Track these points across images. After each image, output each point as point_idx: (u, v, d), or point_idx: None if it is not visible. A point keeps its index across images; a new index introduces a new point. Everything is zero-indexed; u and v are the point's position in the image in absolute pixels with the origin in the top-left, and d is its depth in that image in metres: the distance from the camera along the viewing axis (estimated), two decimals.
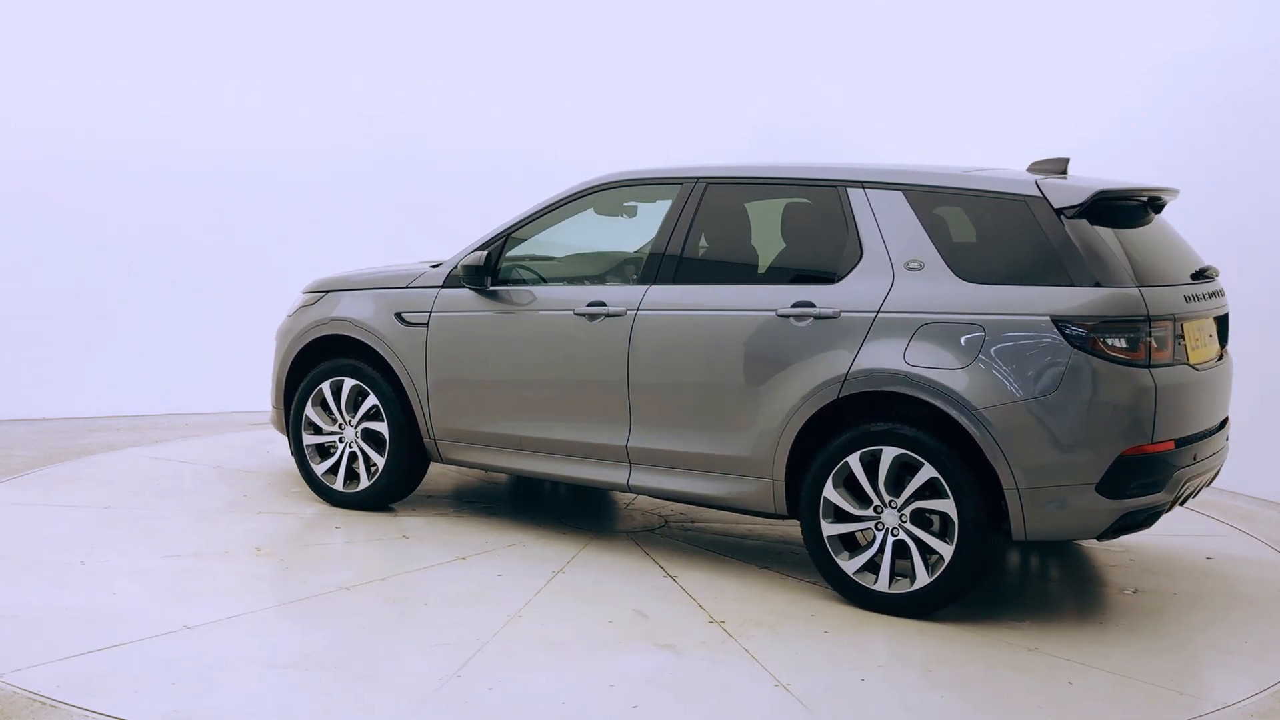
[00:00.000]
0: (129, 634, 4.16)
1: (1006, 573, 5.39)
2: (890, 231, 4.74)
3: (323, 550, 5.34)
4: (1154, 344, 4.34)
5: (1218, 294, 4.92)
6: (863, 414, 4.67)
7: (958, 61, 9.69)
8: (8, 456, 6.82)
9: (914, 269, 4.65)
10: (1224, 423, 5.01)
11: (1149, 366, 4.32)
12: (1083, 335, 4.27)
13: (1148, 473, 4.38)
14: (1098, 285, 4.31)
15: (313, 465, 6.03)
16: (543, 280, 5.64)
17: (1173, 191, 5.00)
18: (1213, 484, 5.07)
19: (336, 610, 4.54)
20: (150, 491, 6.17)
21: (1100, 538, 4.47)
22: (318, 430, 6.02)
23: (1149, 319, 4.32)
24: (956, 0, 9.78)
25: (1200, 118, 7.58)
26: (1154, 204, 4.92)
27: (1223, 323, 4.99)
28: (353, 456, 5.95)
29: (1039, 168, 4.85)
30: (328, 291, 6.15)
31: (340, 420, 5.96)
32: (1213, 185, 7.49)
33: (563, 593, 4.81)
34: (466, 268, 5.59)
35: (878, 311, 4.64)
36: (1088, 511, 4.34)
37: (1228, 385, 5.01)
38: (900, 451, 4.51)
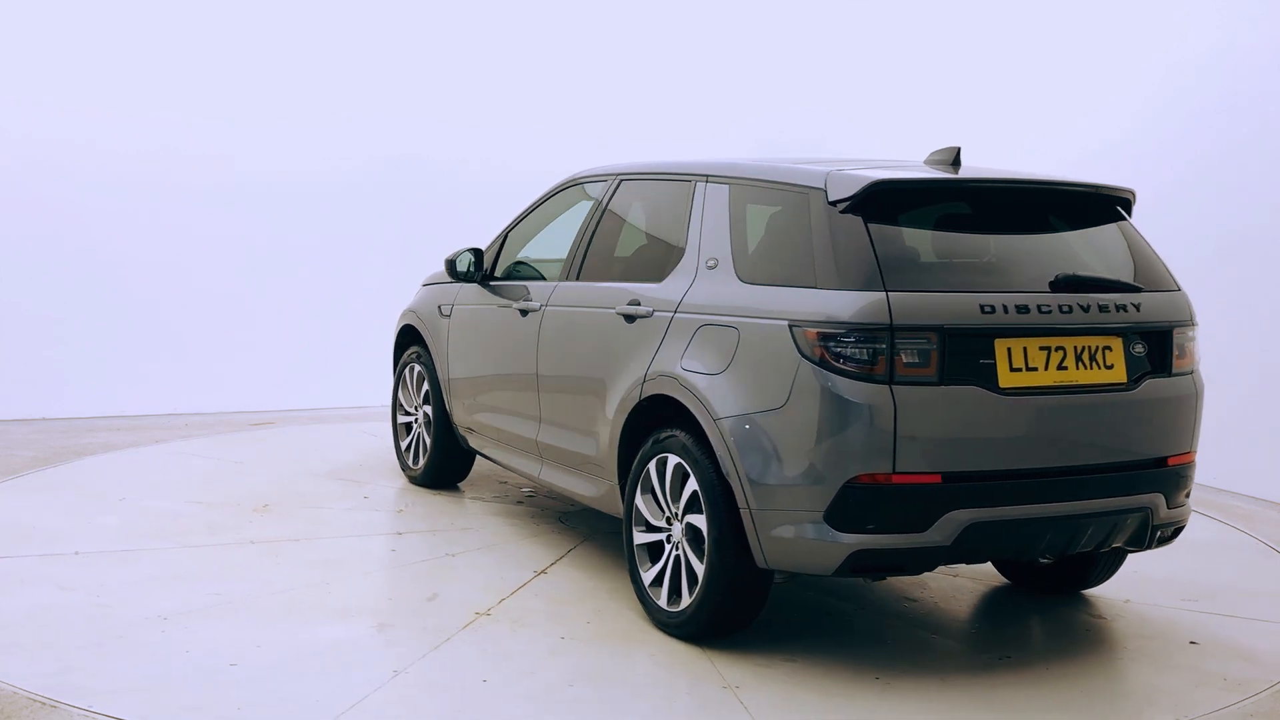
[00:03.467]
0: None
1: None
2: (705, 228, 4.46)
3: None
4: (903, 358, 3.71)
5: (1111, 308, 4.04)
6: (666, 418, 4.38)
7: (956, 62, 9.71)
8: (8, 456, 6.83)
9: (711, 267, 4.37)
10: (1151, 465, 4.09)
11: (891, 383, 3.70)
12: (812, 343, 3.78)
13: (891, 507, 3.74)
14: (840, 288, 3.79)
15: (400, 441, 6.67)
16: (509, 277, 5.78)
17: (1005, 182, 4.25)
18: (1160, 544, 4.23)
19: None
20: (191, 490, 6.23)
21: (838, 574, 3.83)
22: (406, 411, 6.62)
23: (892, 328, 3.69)
24: (957, 1, 9.81)
25: (1202, 118, 7.58)
26: (992, 196, 4.26)
27: (1150, 341, 4.13)
28: (420, 437, 6.48)
29: (932, 159, 4.44)
30: (426, 285, 6.53)
31: (415, 404, 6.49)
32: (1212, 186, 7.52)
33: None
34: (450, 261, 5.91)
35: (674, 312, 4.42)
36: (817, 543, 3.78)
37: (1147, 416, 4.07)
38: (678, 461, 4.22)
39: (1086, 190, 4.37)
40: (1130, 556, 4.86)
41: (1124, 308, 4.07)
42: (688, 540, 4.22)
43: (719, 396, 4.04)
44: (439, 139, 9.28)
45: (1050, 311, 3.91)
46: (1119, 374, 4.02)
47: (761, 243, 4.32)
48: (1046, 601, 4.86)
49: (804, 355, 3.79)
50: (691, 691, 3.89)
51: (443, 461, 6.31)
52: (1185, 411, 4.19)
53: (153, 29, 8.42)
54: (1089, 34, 8.52)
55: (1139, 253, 4.34)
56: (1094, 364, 3.98)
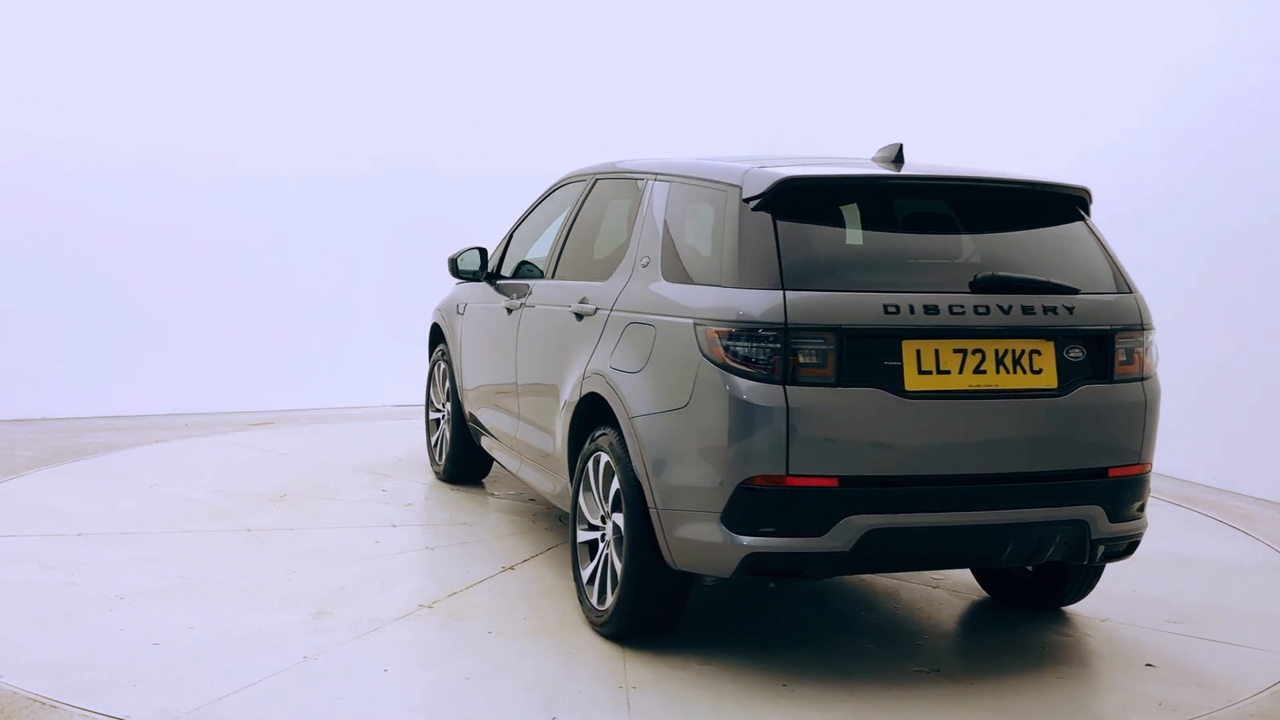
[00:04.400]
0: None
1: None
2: (644, 226, 4.45)
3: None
4: (799, 358, 3.61)
5: (1038, 310, 3.82)
6: (601, 417, 4.33)
7: (956, 62, 9.63)
8: (8, 456, 6.92)
9: (644, 265, 4.34)
10: (1088, 476, 3.87)
11: (786, 384, 3.61)
12: (711, 343, 3.73)
13: (786, 510, 3.64)
14: (741, 287, 3.74)
15: (429, 438, 6.79)
16: (514, 276, 5.80)
17: (927, 179, 4.11)
18: (1110, 559, 4.04)
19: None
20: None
21: (736, 576, 3.73)
22: (435, 408, 6.70)
23: (787, 328, 3.60)
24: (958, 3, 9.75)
25: (1200, 119, 7.45)
26: (917, 194, 4.17)
27: (1088, 345, 3.89)
28: (444, 434, 6.53)
29: (878, 156, 4.32)
30: (457, 284, 6.58)
31: (442, 401, 6.56)
32: (1212, 187, 7.37)
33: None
34: (453, 260, 5.97)
35: (610, 310, 4.41)
36: (715, 545, 3.71)
37: (1082, 425, 3.85)
38: (608, 459, 4.18)
39: (1028, 188, 4.17)
40: (1135, 574, 4.82)
41: (1053, 310, 3.85)
42: (614, 539, 4.17)
43: (634, 395, 4.03)
44: (444, 139, 9.27)
45: (963, 312, 3.74)
46: (1048, 379, 3.81)
47: (685, 241, 4.30)
48: (1020, 617, 4.66)
49: (704, 354, 3.75)
50: (583, 691, 3.83)
51: (461, 457, 6.36)
52: (1131, 420, 3.93)
53: (152, 29, 8.54)
54: (1093, 34, 8.42)
55: (1087, 253, 4.11)
56: (1018, 368, 3.78)
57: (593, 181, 5.22)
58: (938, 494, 3.72)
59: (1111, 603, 4.80)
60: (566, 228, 5.24)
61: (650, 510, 3.91)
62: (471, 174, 9.29)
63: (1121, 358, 3.95)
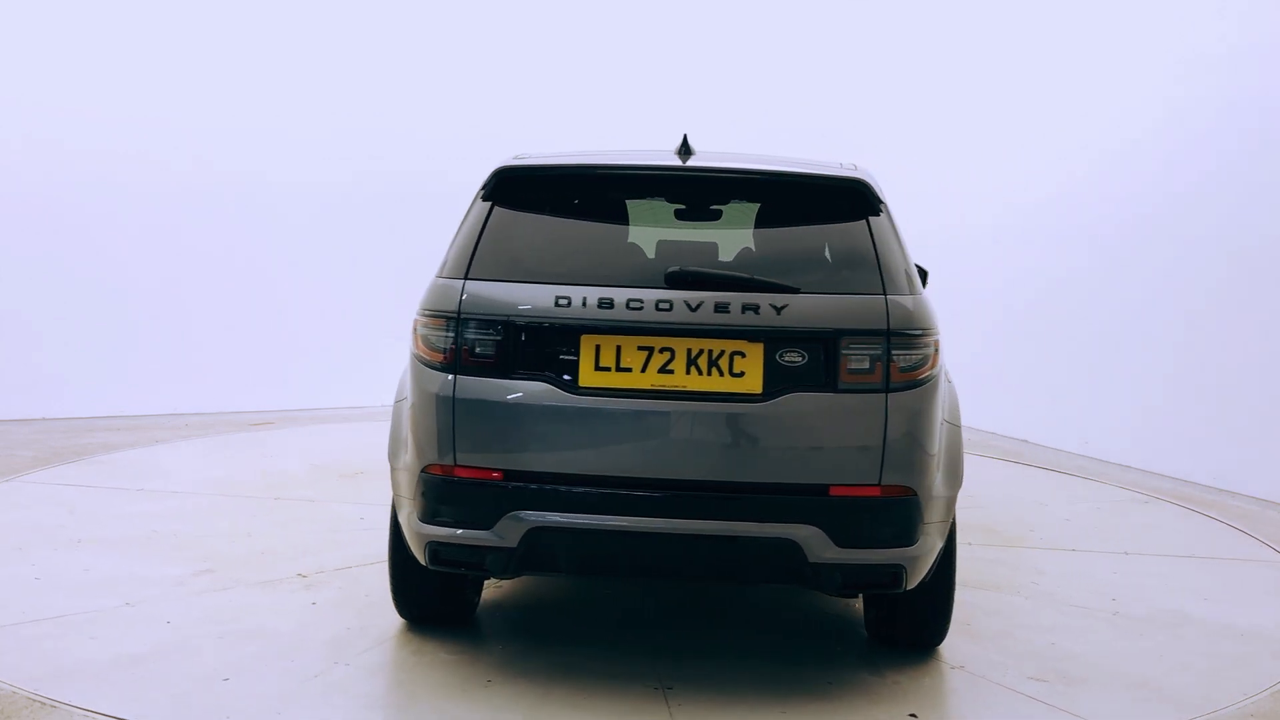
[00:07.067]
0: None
1: None
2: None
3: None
4: (471, 348, 3.56)
5: (737, 308, 3.51)
6: None
7: (956, 62, 9.72)
8: (8, 456, 6.93)
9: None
10: (801, 492, 3.48)
11: (457, 373, 3.57)
12: (412, 331, 3.74)
13: (457, 500, 3.57)
14: (439, 275, 3.73)
15: None
16: None
17: (661, 170, 3.86)
18: (851, 591, 3.68)
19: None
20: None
21: (430, 566, 3.67)
22: None
23: (459, 318, 3.56)
24: (961, 3, 9.84)
25: (1200, 121, 7.57)
26: (651, 185, 3.93)
27: (809, 350, 3.52)
28: None
29: (679, 151, 4.05)
30: None
31: None
32: (1213, 186, 7.49)
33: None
34: None
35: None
36: (413, 533, 3.69)
37: (791, 436, 3.48)
38: None
39: (789, 180, 3.85)
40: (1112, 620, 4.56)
41: (754, 309, 3.51)
42: None
43: (402, 383, 4.02)
44: (445, 139, 9.33)
45: (641, 308, 3.50)
46: (751, 383, 3.49)
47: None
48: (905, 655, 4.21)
49: (411, 343, 3.79)
50: (328, 659, 4.01)
51: None
52: (862, 435, 3.48)
53: (152, 29, 8.57)
54: (1105, 37, 8.53)
55: (852, 251, 3.69)
56: (714, 370, 3.50)
57: None
58: (608, 496, 3.49)
59: (1018, 650, 4.60)
60: None
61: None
62: (473, 173, 9.21)
63: (853, 365, 3.51)
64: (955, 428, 3.95)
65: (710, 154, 4.09)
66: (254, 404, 8.76)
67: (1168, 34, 7.87)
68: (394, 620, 4.37)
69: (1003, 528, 6.12)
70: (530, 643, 4.29)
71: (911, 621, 4.13)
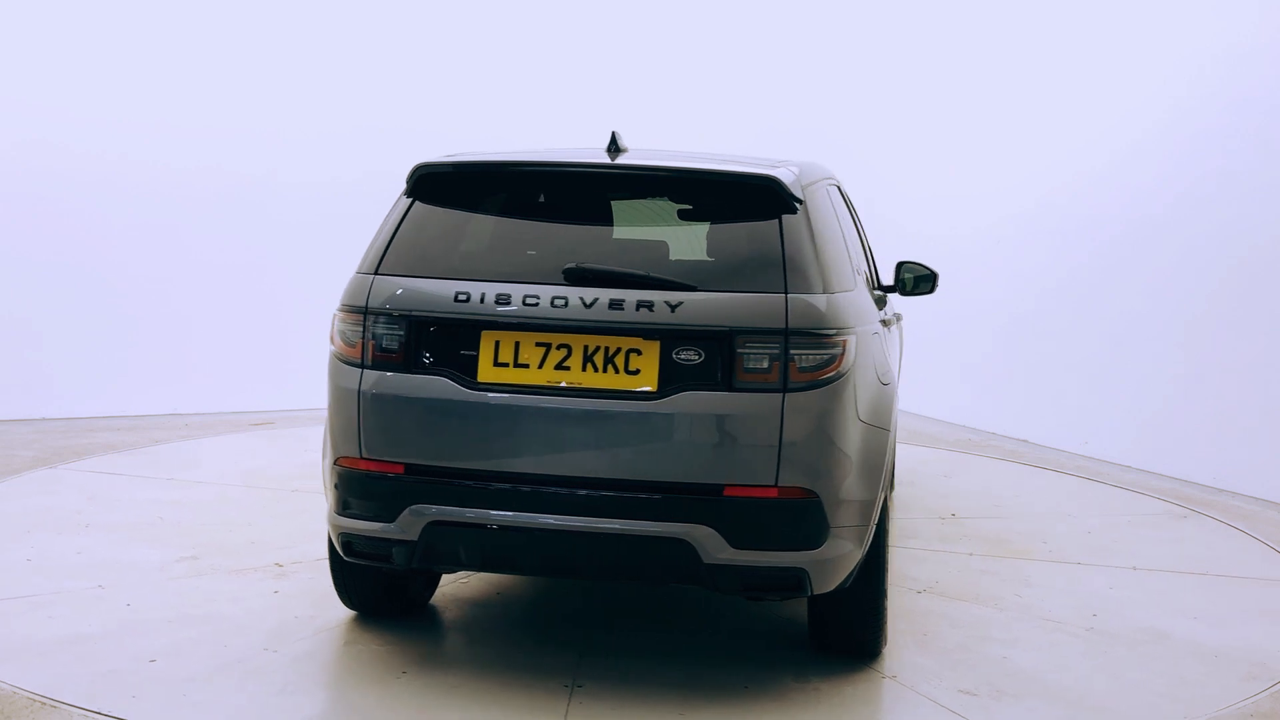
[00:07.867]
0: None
1: None
2: None
3: None
4: (378, 342, 3.62)
5: (632, 305, 3.48)
6: None
7: (958, 64, 9.59)
8: (8, 457, 6.94)
9: None
10: (694, 492, 3.42)
11: (364, 367, 3.63)
12: (331, 325, 3.84)
13: (362, 493, 3.63)
14: (358, 271, 3.82)
15: None
16: None
17: (572, 166, 3.84)
18: (754, 594, 3.62)
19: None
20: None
21: (344, 556, 3.76)
22: None
23: (367, 312, 3.63)
24: (961, 4, 9.65)
25: (1202, 122, 7.45)
26: (566, 182, 3.89)
27: (705, 348, 3.46)
28: None
29: (609, 149, 4.09)
30: None
31: None
32: (1213, 187, 7.34)
33: None
34: None
35: None
36: (330, 524, 3.75)
37: (684, 434, 3.42)
38: None
39: (703, 178, 3.81)
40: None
41: (648, 305, 3.48)
42: None
43: None
44: (443, 140, 9.29)
45: (537, 304, 3.52)
46: (647, 380, 3.47)
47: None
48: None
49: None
50: (286, 648, 4.04)
51: None
52: (757, 435, 3.41)
53: (152, 29, 8.60)
54: (1109, 38, 8.38)
55: (760, 248, 3.63)
56: (610, 367, 3.49)
57: None
58: (506, 492, 3.50)
59: (962, 670, 4.41)
60: None
61: None
62: None
63: (748, 364, 3.46)
64: (879, 430, 3.82)
65: (641, 152, 4.08)
66: (254, 404, 8.76)
67: (1172, 34, 7.74)
68: (344, 611, 4.38)
69: (1014, 539, 5.89)
70: (467, 636, 4.29)
71: (840, 629, 4.05)
